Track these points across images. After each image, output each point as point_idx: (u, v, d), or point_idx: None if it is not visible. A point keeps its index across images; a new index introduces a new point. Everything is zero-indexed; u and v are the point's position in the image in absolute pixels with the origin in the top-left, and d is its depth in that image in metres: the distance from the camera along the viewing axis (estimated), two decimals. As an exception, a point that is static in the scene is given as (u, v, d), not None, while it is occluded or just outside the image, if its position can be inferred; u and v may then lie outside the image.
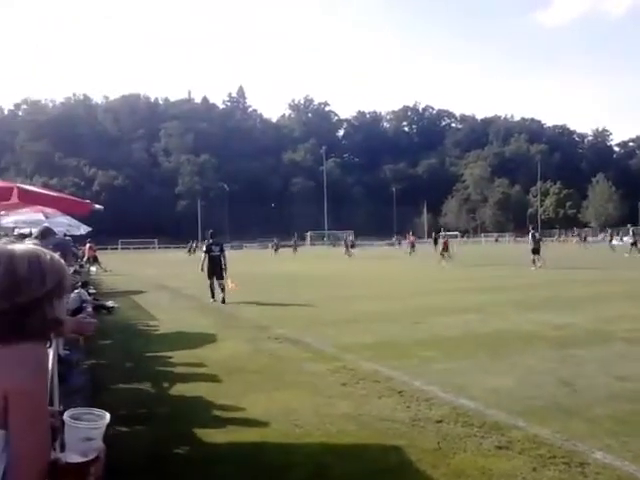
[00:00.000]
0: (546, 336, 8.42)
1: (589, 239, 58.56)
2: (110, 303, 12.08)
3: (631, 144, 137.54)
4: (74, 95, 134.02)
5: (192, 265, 18.07)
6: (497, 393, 5.51)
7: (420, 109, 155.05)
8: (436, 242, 51.79)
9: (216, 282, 13.90)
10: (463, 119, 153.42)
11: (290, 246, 55.67)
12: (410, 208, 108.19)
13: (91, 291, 12.99)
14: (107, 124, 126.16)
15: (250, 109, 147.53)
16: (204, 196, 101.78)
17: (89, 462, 1.33)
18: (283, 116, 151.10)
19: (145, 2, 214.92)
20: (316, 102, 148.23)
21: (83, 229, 15.41)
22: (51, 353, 3.59)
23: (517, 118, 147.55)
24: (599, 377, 6.07)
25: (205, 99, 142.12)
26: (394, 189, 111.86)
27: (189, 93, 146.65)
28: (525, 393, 5.51)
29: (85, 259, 25.65)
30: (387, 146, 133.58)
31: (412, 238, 45.55)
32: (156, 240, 79.47)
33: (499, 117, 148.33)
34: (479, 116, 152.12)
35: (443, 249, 29.72)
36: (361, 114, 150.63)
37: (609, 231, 53.37)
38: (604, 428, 4.48)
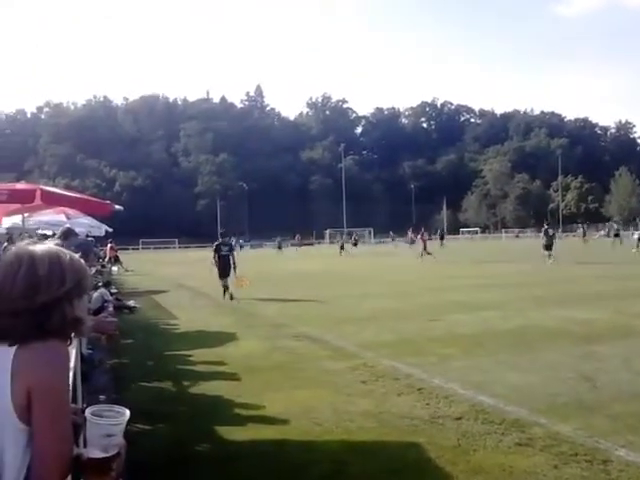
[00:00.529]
0: (567, 332, 8.34)
1: (591, 234, 58.15)
2: (132, 303, 12.24)
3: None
4: (94, 97, 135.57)
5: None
6: (517, 390, 5.47)
7: (438, 105, 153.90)
8: (442, 238, 52.06)
9: (226, 280, 14.16)
10: (482, 114, 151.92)
11: (308, 244, 55.60)
12: (429, 205, 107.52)
13: (113, 291, 13.18)
14: (127, 125, 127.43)
15: (268, 108, 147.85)
16: (223, 195, 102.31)
17: (110, 458, 1.37)
18: (301, 114, 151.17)
19: (163, 4, 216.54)
20: (334, 99, 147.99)
21: (104, 229, 15.59)
22: (74, 352, 3.66)
23: (537, 112, 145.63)
24: (622, 373, 6.00)
25: (223, 99, 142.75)
26: (413, 186, 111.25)
27: (207, 93, 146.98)
28: (546, 390, 5.47)
29: (107, 259, 25.99)
30: (405, 142, 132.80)
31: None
32: (176, 240, 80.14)
33: (518, 112, 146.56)
34: (498, 111, 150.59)
35: (424, 245, 29.79)
36: (379, 111, 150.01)
37: (614, 226, 52.47)
38: (627, 425, 4.43)
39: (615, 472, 3.62)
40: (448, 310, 10.91)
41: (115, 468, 1.38)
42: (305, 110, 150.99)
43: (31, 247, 1.51)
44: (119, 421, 1.39)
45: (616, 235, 41.38)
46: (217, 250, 14.57)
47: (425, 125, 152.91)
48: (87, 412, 1.38)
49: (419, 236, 32.64)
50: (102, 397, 5.42)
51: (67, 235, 6.57)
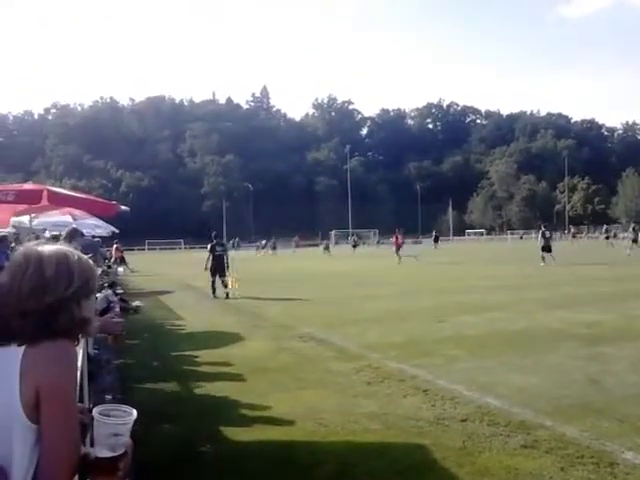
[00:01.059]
0: (573, 334, 8.30)
1: (579, 236, 58.65)
2: (136, 303, 12.26)
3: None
4: (101, 98, 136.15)
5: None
6: (523, 392, 5.46)
7: (444, 106, 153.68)
8: (437, 240, 52.26)
9: (219, 279, 15.03)
10: (488, 115, 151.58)
11: (312, 245, 55.66)
12: (435, 206, 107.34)
13: (119, 291, 13.21)
14: (133, 126, 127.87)
15: (274, 109, 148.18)
16: (229, 196, 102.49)
17: (117, 457, 1.37)
18: (307, 115, 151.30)
19: (170, 6, 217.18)
20: (340, 101, 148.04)
21: (110, 230, 15.65)
22: (80, 352, 3.68)
23: (543, 113, 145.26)
24: (628, 375, 5.97)
25: (229, 99, 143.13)
26: (419, 187, 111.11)
27: (213, 94, 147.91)
28: (552, 392, 5.45)
29: (112, 260, 26.07)
30: (411, 144, 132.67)
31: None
32: (182, 240, 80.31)
33: (525, 113, 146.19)
34: (504, 112, 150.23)
35: (397, 248, 29.86)
36: (385, 112, 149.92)
37: (605, 227, 52.46)
38: (634, 427, 4.41)
39: (622, 475, 3.60)
40: (453, 311, 10.89)
41: (122, 468, 1.39)
42: (311, 111, 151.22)
43: (39, 248, 1.52)
44: (126, 421, 1.40)
45: (607, 237, 41.76)
46: (212, 250, 15.45)
47: (431, 126, 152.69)
48: (95, 411, 1.39)
49: (392, 238, 32.68)
50: (108, 397, 5.44)
51: (73, 236, 6.62)
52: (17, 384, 1.35)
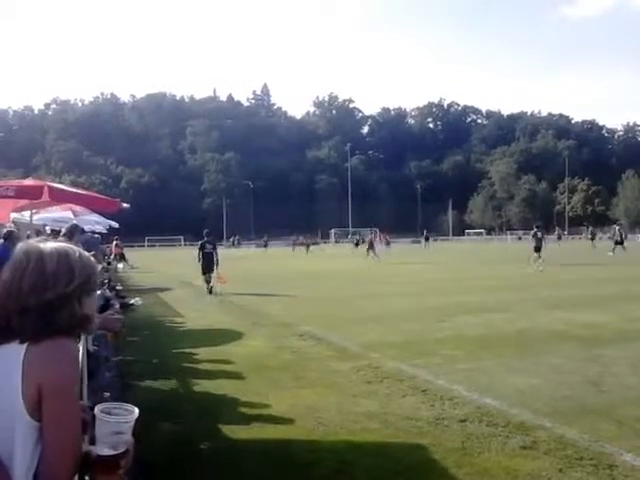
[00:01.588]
0: (572, 335, 8.31)
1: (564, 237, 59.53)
2: (132, 300, 12.20)
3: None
4: (102, 94, 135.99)
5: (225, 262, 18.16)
6: (522, 393, 5.46)
7: (445, 105, 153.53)
8: (427, 240, 52.78)
9: (209, 276, 15.56)
10: (489, 115, 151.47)
11: (312, 244, 55.59)
12: (435, 205, 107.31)
13: (118, 288, 13.19)
14: (134, 122, 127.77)
15: (275, 106, 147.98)
16: (229, 193, 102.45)
17: (119, 455, 1.37)
18: (307, 113, 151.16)
19: (171, 3, 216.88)
20: (340, 99, 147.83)
21: (110, 227, 15.64)
22: (80, 349, 3.67)
23: (544, 114, 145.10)
24: (628, 377, 5.97)
25: (230, 97, 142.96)
26: (419, 186, 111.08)
27: (214, 91, 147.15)
28: (551, 393, 5.45)
29: (112, 256, 26.06)
30: (412, 143, 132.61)
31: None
32: (182, 237, 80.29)
33: (525, 113, 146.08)
34: (505, 112, 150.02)
35: (368, 247, 30.28)
36: (386, 110, 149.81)
37: (590, 229, 52.69)
38: (633, 429, 4.41)
39: (621, 477, 3.61)
40: (452, 312, 10.89)
41: (124, 466, 1.39)
42: (312, 109, 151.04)
43: (41, 244, 1.52)
44: (128, 419, 1.39)
45: (592, 238, 42.12)
46: (202, 248, 15.93)
47: (432, 125, 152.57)
48: (97, 409, 1.39)
49: (368, 237, 33.31)
50: (107, 394, 5.43)
51: (73, 232, 6.60)
52: (19, 382, 1.34)
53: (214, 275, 15.53)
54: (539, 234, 24.16)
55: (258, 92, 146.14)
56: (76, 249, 1.55)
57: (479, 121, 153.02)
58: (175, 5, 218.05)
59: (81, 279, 1.48)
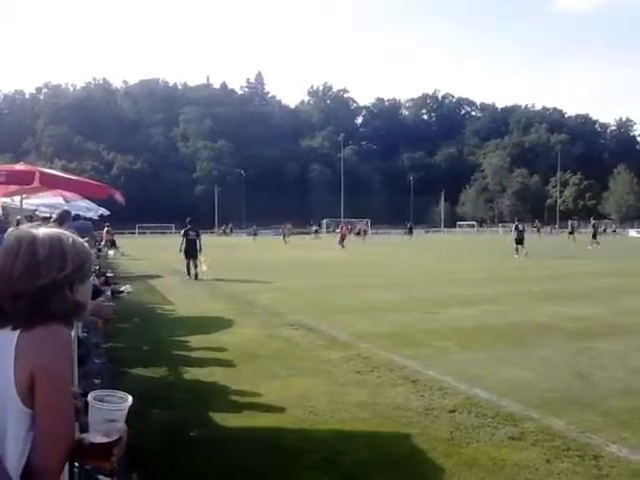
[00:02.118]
0: (562, 328, 8.38)
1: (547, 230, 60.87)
2: (122, 287, 12.16)
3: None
4: (94, 79, 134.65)
5: (210, 250, 18.20)
6: (511, 384, 5.51)
7: (440, 97, 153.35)
8: (411, 231, 53.64)
9: (192, 262, 16.18)
10: (483, 108, 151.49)
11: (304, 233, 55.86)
12: (428, 197, 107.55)
13: (109, 275, 13.13)
14: (126, 108, 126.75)
15: (269, 95, 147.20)
16: (221, 181, 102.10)
17: (112, 443, 1.37)
18: (302, 102, 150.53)
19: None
20: (335, 89, 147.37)
21: (101, 213, 15.55)
22: (72, 335, 3.66)
23: (538, 107, 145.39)
24: (615, 370, 6.04)
25: (224, 84, 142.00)
26: (412, 178, 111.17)
27: (207, 78, 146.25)
28: (539, 384, 5.50)
29: (103, 243, 25.93)
30: (406, 134, 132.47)
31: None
32: (173, 225, 79.96)
33: (519, 106, 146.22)
34: (499, 105, 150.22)
35: (340, 239, 30.96)
36: (380, 101, 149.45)
37: (570, 222, 53.54)
38: (619, 421, 4.47)
39: (606, 468, 3.66)
40: (442, 303, 10.95)
41: (116, 454, 1.39)
42: (306, 98, 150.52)
43: (33, 230, 1.50)
44: (122, 407, 1.39)
45: (571, 232, 42.99)
46: (185, 235, 16.62)
47: (426, 117, 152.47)
48: (90, 397, 1.39)
49: (339, 229, 34.14)
50: (97, 381, 5.43)
51: (64, 218, 6.56)
52: (12, 368, 1.34)
53: (198, 262, 16.15)
54: (520, 227, 25.58)
55: (252, 80, 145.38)
56: (69, 235, 1.53)
57: (473, 113, 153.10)
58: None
59: (74, 266, 1.46)
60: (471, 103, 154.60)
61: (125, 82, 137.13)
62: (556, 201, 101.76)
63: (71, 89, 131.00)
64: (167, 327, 8.85)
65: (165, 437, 4.29)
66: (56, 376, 1.37)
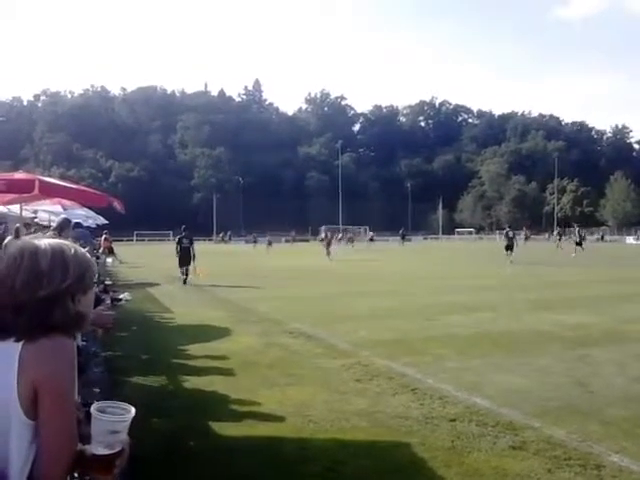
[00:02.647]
0: (561, 336, 8.37)
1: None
2: (121, 295, 12.13)
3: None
4: (92, 87, 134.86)
5: (208, 257, 18.24)
6: (511, 393, 5.50)
7: (437, 104, 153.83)
8: (403, 239, 54.54)
9: (185, 268, 16.86)
10: (480, 115, 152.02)
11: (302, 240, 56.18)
12: (425, 204, 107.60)
13: (107, 282, 13.10)
14: (124, 116, 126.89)
15: (266, 102, 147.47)
16: (219, 189, 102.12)
17: (115, 454, 1.36)
18: (299, 110, 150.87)
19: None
20: (332, 96, 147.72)
21: (100, 221, 15.54)
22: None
23: (535, 114, 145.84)
24: (615, 378, 6.03)
25: (222, 92, 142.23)
26: (409, 185, 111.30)
27: (205, 86, 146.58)
28: (540, 393, 5.49)
29: (101, 250, 25.86)
30: (403, 141, 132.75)
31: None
32: (171, 232, 79.85)
33: (516, 113, 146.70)
34: (496, 112, 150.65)
35: (327, 245, 31.31)
36: (377, 108, 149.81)
37: (557, 230, 53.97)
38: (621, 430, 4.45)
39: (608, 477, 3.64)
40: (440, 311, 10.94)
41: (119, 465, 1.38)
42: (303, 106, 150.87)
43: (36, 241, 1.50)
44: (124, 418, 1.38)
45: (559, 239, 43.69)
46: (179, 242, 17.29)
47: (423, 124, 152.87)
48: (92, 408, 1.38)
49: (323, 237, 34.65)
50: (96, 390, 5.40)
51: (64, 226, 6.54)
52: (15, 380, 1.33)
53: (191, 268, 16.93)
54: (510, 234, 26.35)
55: (250, 87, 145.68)
56: (72, 246, 1.53)
57: (470, 120, 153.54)
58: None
59: (75, 276, 1.46)
60: (468, 110, 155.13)
61: (123, 89, 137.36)
62: (554, 208, 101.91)
63: (69, 96, 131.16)
64: (166, 335, 8.83)
65: (164, 446, 4.26)
66: (59, 388, 1.36)
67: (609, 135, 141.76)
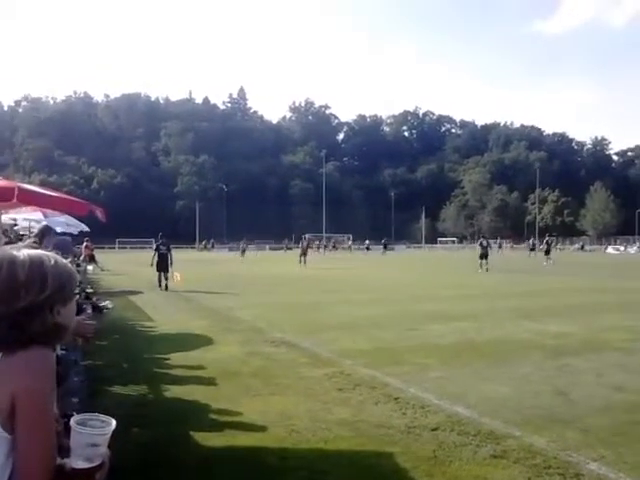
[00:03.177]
0: (542, 344, 8.45)
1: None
2: (103, 304, 12.00)
3: (630, 154, 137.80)
4: (75, 93, 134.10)
5: (190, 265, 18.18)
6: (493, 401, 5.53)
7: (420, 114, 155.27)
8: (385, 247, 56.00)
9: (163, 274, 17.49)
10: (463, 125, 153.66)
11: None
12: (408, 213, 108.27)
13: (88, 290, 12.96)
14: (107, 122, 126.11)
15: (251, 110, 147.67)
16: (203, 196, 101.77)
17: (94, 468, 1.35)
18: (284, 118, 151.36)
19: (149, 2, 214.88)
20: (317, 105, 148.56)
21: (82, 228, 15.37)
22: (50, 354, 3.59)
23: (517, 125, 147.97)
24: (594, 387, 6.10)
25: (206, 99, 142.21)
26: (393, 194, 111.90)
27: (190, 93, 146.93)
28: (521, 402, 5.53)
29: (82, 258, 25.56)
30: (387, 150, 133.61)
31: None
32: (153, 240, 79.27)
33: (499, 124, 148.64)
34: (479, 122, 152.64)
35: (302, 253, 31.83)
36: (361, 118, 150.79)
37: (531, 239, 54.95)
38: (599, 438, 4.50)
39: (587, 486, 3.67)
40: (425, 319, 10.98)
41: (99, 478, 1.36)
42: (288, 114, 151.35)
43: (15, 251, 1.48)
44: (105, 431, 1.37)
45: (532, 249, 44.50)
46: (157, 249, 18.08)
47: (406, 134, 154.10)
48: (72, 421, 1.36)
49: (301, 244, 35.58)
50: (75, 399, 5.33)
51: (45, 233, 6.48)
52: None
53: (169, 274, 17.55)
54: (484, 243, 27.87)
55: (234, 95, 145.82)
56: (52, 256, 1.51)
57: (453, 131, 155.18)
58: (152, 6, 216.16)
59: (55, 287, 1.44)
60: (451, 120, 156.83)
61: (106, 96, 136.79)
62: (535, 218, 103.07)
63: (51, 102, 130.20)
64: (147, 344, 8.74)
65: (144, 456, 4.22)
66: (38, 401, 1.35)
67: (589, 146, 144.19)
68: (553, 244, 36.96)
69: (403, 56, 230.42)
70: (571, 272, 26.69)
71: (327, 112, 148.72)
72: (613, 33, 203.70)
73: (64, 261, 1.55)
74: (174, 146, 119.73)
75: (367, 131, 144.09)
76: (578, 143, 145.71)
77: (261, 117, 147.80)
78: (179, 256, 20.12)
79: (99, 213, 6.54)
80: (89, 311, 4.44)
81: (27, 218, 10.25)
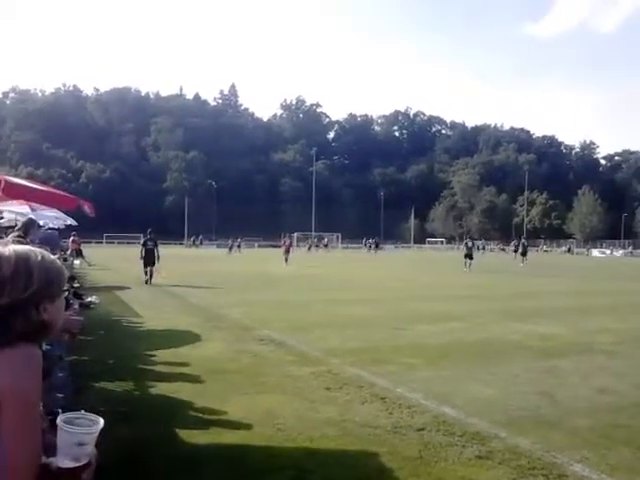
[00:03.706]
0: (529, 346, 8.51)
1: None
2: (89, 299, 11.91)
3: (617, 158, 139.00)
4: (64, 86, 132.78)
5: (177, 261, 18.13)
6: (479, 402, 5.56)
7: (411, 114, 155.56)
8: (377, 247, 58.14)
9: (149, 269, 17.84)
10: (453, 126, 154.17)
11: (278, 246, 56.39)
12: (398, 213, 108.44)
13: (75, 285, 12.85)
14: (96, 116, 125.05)
15: (242, 107, 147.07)
16: (192, 192, 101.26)
17: (81, 467, 1.33)
18: (274, 116, 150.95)
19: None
20: (308, 103, 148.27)
21: (69, 222, 15.25)
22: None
23: (507, 127, 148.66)
24: (579, 388, 6.15)
25: (197, 95, 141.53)
26: (382, 193, 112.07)
27: (181, 89, 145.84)
28: (507, 403, 5.56)
29: (69, 252, 25.36)
30: (377, 150, 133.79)
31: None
32: (141, 235, 78.84)
33: (489, 125, 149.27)
34: (469, 124, 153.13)
35: (285, 252, 32.67)
36: (352, 117, 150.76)
37: (513, 241, 55.51)
38: (584, 440, 4.54)
39: (570, 487, 3.70)
40: (412, 320, 11.01)
41: (86, 478, 1.35)
42: (279, 112, 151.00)
43: (0, 247, 1.46)
44: (92, 430, 1.35)
45: (515, 251, 45.16)
46: (144, 244, 18.34)
47: (397, 134, 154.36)
48: (59, 420, 1.35)
49: (283, 242, 35.63)
50: (60, 395, 5.28)
51: (28, 227, 6.40)
52: None
53: (155, 269, 17.85)
54: (469, 244, 29.51)
55: (226, 92, 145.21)
56: (39, 252, 1.49)
57: (443, 132, 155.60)
58: (143, 1, 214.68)
59: (41, 284, 1.42)
60: (442, 121, 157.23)
61: (96, 89, 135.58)
62: (523, 219, 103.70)
63: (40, 94, 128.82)
64: (134, 340, 8.69)
65: (129, 453, 4.18)
66: (24, 399, 1.33)
67: (577, 150, 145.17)
68: (527, 245, 37.97)
69: (393, 57, 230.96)
70: (557, 274, 26.96)
71: (318, 110, 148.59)
72: (603, 37, 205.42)
73: (52, 257, 1.53)
74: (164, 141, 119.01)
75: (358, 130, 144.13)
76: (567, 146, 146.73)
77: (252, 114, 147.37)
78: (166, 252, 20.05)
79: (87, 208, 6.49)
80: (76, 307, 4.40)
81: (13, 210, 10.13)
